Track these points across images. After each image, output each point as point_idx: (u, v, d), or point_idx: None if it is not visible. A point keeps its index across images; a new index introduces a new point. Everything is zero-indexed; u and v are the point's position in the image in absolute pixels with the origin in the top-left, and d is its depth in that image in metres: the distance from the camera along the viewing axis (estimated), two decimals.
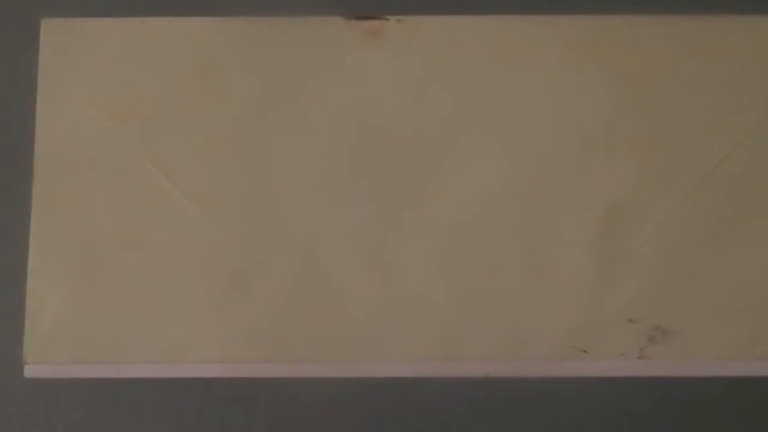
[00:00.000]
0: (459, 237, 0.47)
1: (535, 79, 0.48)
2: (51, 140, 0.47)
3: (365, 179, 0.47)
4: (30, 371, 0.46)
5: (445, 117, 0.48)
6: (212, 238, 0.47)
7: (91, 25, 0.48)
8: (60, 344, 0.46)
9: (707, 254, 0.47)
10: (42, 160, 0.47)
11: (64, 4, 0.49)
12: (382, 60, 0.48)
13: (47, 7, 0.49)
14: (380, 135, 0.48)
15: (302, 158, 0.48)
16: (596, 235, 0.47)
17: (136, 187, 0.47)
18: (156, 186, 0.47)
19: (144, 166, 0.47)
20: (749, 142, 0.48)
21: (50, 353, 0.46)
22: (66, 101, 0.48)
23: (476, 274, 0.47)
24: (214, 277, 0.46)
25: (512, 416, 0.47)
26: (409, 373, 0.47)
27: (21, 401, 0.47)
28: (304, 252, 0.47)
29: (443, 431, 0.47)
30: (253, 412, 0.47)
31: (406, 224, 0.47)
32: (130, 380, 0.47)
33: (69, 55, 0.48)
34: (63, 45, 0.48)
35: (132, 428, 0.47)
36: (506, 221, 0.47)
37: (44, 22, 0.48)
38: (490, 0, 0.49)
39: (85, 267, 0.46)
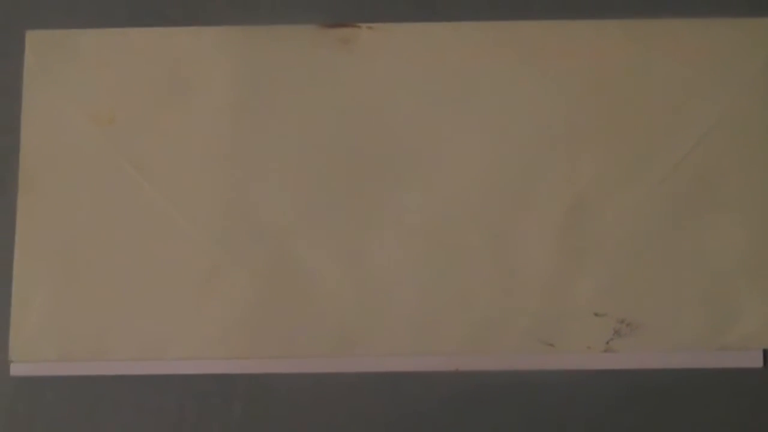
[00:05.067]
0: (430, 234, 0.48)
1: (500, 82, 0.50)
2: (35, 145, 0.49)
3: (339, 179, 0.49)
4: (16, 369, 0.48)
5: (415, 119, 0.49)
6: (189, 237, 0.48)
7: (73, 36, 0.50)
8: (45, 343, 0.48)
9: (670, 247, 0.48)
10: (26, 164, 0.49)
11: (48, 17, 0.51)
12: (355, 65, 0.50)
13: (31, 19, 0.51)
14: (354, 136, 0.49)
15: (279, 160, 0.49)
16: (561, 231, 0.48)
17: (117, 188, 0.49)
18: (135, 187, 0.49)
19: (124, 169, 0.49)
20: (709, 141, 0.49)
21: (35, 352, 0.48)
22: (49, 108, 0.49)
23: (447, 271, 0.48)
24: (191, 275, 0.48)
25: (482, 409, 0.48)
26: (381, 368, 0.48)
27: (6, 399, 0.48)
28: (279, 249, 0.48)
29: (415, 425, 0.48)
30: (230, 407, 0.48)
31: (378, 222, 0.49)
32: (111, 377, 0.48)
33: (52, 65, 0.50)
34: (47, 55, 0.50)
35: (113, 424, 0.48)
36: (475, 219, 0.49)
37: (29, 33, 0.50)
38: (457, 8, 0.51)
39: (68, 267, 0.48)
